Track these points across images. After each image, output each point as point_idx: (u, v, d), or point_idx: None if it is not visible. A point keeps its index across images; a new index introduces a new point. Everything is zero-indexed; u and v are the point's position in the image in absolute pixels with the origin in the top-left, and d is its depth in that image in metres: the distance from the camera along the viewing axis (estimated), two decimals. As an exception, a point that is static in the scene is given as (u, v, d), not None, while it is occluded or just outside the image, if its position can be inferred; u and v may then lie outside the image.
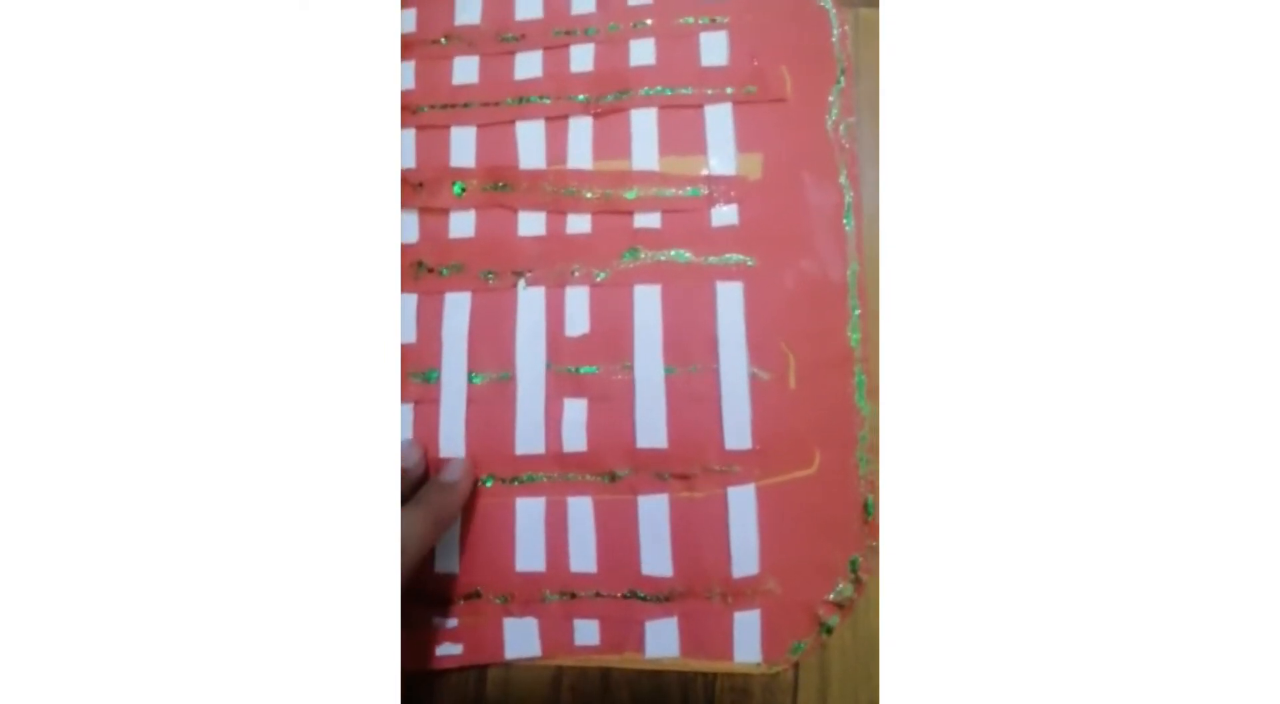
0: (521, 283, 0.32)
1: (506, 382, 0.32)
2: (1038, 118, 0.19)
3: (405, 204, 0.34)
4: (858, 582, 0.30)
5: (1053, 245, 0.19)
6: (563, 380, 0.32)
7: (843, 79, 0.34)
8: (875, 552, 0.30)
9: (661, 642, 0.30)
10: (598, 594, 0.30)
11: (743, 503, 0.30)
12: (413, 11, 0.36)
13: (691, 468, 0.31)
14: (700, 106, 0.33)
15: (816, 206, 0.33)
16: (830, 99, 0.34)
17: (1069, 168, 0.19)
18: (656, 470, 0.31)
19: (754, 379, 0.31)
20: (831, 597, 0.30)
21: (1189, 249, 0.18)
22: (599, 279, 0.32)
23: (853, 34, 0.35)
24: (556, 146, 0.34)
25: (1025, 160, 0.19)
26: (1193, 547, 0.18)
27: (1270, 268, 0.18)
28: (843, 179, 0.33)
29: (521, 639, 0.30)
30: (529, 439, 0.32)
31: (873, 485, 0.31)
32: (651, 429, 0.31)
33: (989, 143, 0.19)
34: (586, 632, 0.30)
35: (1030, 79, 0.19)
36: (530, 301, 0.32)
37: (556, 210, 0.33)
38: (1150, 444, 0.18)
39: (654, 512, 0.31)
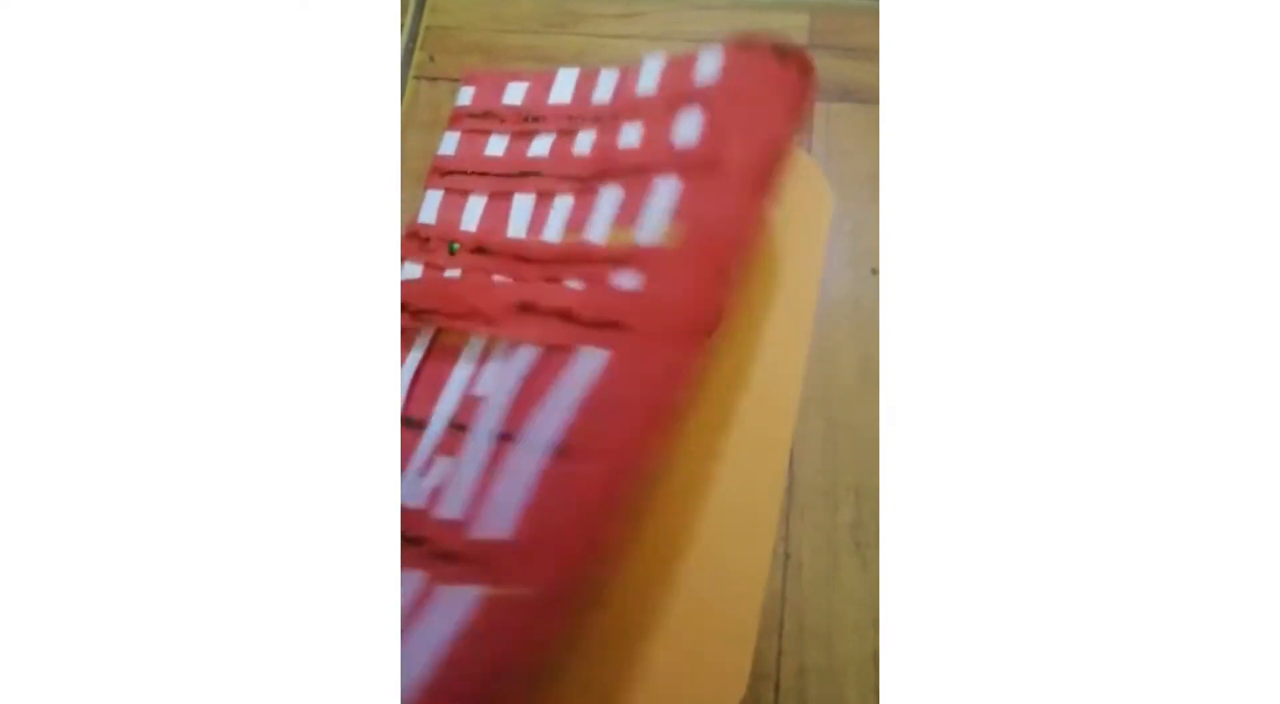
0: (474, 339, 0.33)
1: (417, 431, 0.31)
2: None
3: (412, 257, 0.37)
4: None
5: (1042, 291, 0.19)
6: (450, 437, 0.30)
7: None
8: None
9: None
10: None
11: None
12: (471, 89, 0.39)
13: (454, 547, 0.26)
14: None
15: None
16: None
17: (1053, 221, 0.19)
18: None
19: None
20: None
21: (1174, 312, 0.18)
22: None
23: (824, 125, 0.36)
24: (539, 219, 0.34)
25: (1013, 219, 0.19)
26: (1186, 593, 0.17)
27: (1263, 272, 0.17)
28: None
29: None
30: (408, 493, 0.30)
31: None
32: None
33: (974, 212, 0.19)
34: None
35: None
36: (469, 356, 0.32)
37: (518, 277, 0.33)
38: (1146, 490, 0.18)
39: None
